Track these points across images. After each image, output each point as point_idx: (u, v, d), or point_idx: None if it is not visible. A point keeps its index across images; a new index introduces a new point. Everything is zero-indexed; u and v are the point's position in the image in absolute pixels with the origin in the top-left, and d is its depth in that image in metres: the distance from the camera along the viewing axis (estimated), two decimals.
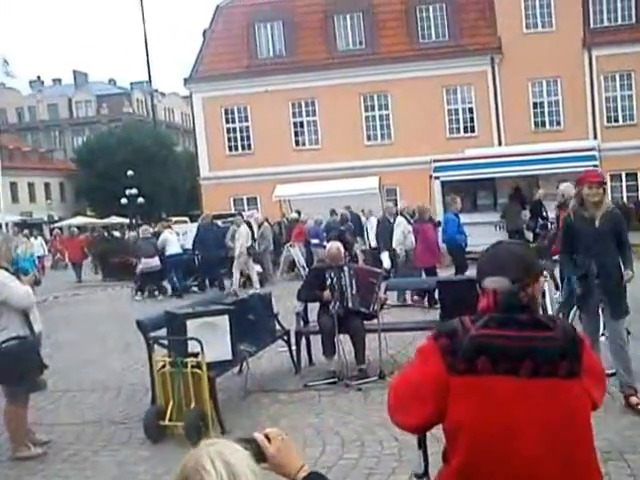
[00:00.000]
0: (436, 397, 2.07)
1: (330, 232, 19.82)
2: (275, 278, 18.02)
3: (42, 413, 6.51)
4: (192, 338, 5.52)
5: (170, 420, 5.54)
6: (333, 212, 20.53)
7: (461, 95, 29.17)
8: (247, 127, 31.10)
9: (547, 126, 28.37)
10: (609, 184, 24.46)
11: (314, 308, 7.87)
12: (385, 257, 12.67)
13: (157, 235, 17.87)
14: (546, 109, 28.51)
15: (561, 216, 8.78)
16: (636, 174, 27.37)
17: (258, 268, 16.44)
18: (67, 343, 10.66)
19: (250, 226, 17.47)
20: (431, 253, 10.64)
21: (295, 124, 30.77)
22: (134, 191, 38.93)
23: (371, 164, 27.31)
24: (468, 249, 18.13)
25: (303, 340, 7.72)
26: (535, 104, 28.48)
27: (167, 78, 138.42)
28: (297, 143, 30.90)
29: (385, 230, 12.96)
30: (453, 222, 11.97)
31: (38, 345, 5.46)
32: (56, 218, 54.52)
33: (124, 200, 39.51)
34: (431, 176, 20.67)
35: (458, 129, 29.31)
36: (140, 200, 39.44)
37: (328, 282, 7.23)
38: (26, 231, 21.11)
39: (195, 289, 17.08)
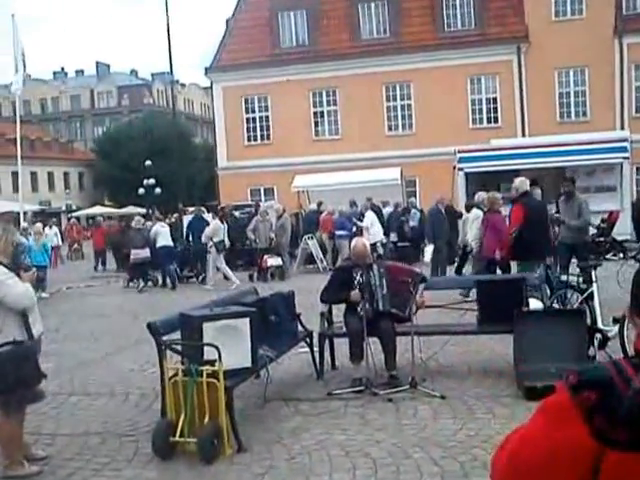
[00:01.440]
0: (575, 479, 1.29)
1: (391, 223, 19.25)
2: (291, 272, 17.44)
3: (43, 420, 5.96)
4: (209, 344, 4.95)
5: (181, 436, 4.97)
6: (353, 203, 19.93)
7: (485, 85, 28.41)
8: (267, 117, 30.57)
9: (573, 117, 27.57)
10: (634, 177, 23.68)
11: (340, 308, 7.30)
12: (428, 251, 12.14)
13: (172, 226, 17.38)
14: (572, 99, 27.69)
15: (515, 212, 8.89)
16: None
17: (278, 261, 15.86)
18: (76, 338, 10.19)
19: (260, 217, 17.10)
20: (500, 245, 10.05)
21: (315, 114, 30.18)
22: (152, 181, 38.57)
23: (392, 155, 26.67)
24: None
25: (326, 343, 7.14)
26: (561, 94, 27.65)
27: (187, 69, 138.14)
28: (317, 133, 30.30)
29: (436, 222, 12.42)
30: None
31: (36, 351, 4.90)
32: (74, 207, 54.35)
33: (142, 190, 39.19)
34: (455, 167, 20.00)
35: (481, 119, 28.57)
36: (157, 190, 39.08)
37: (356, 282, 6.64)
38: (39, 223, 20.54)
39: (193, 279, 17.26)
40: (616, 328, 6.62)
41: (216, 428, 4.91)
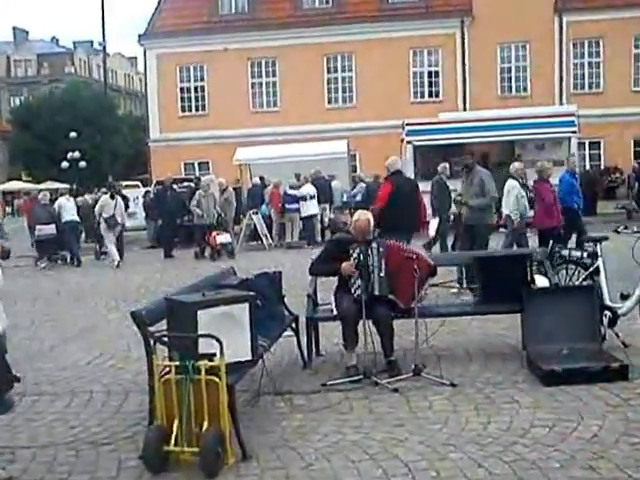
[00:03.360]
0: None
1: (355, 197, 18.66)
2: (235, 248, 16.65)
3: None
4: (209, 335, 4.19)
5: (176, 444, 4.20)
6: (299, 177, 19.21)
7: (427, 58, 28.03)
8: (202, 87, 29.39)
9: (514, 92, 27.59)
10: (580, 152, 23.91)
11: (325, 290, 6.63)
12: (433, 224, 11.78)
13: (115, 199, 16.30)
14: (513, 74, 27.69)
15: (383, 188, 9.04)
16: (599, 143, 26.78)
17: (227, 238, 15.00)
18: (13, 327, 8.81)
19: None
20: (550, 215, 9.57)
21: (254, 85, 29.18)
22: (76, 154, 36.60)
23: (332, 128, 26.04)
24: None
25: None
26: (503, 69, 27.62)
27: (110, 38, 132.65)
28: (255, 105, 29.32)
29: (441, 193, 12.06)
30: (567, 182, 11.26)
31: (2, 351, 4.03)
32: None
33: (65, 164, 37.18)
34: (402, 140, 19.54)
35: (423, 93, 28.23)
36: (82, 164, 37.15)
37: (352, 259, 5.96)
38: None
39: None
40: (626, 305, 6.20)
41: (219, 434, 4.17)
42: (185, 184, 21.12)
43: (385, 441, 4.50)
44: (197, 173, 27.50)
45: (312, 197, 17.16)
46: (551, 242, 7.53)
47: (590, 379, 5.28)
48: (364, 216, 6.10)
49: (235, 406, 4.37)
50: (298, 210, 17.15)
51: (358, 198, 18.87)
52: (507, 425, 4.65)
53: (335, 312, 6.18)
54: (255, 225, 17.82)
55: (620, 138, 25.35)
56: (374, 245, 6.00)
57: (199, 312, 4.39)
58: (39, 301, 11.18)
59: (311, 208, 17.26)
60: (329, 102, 28.84)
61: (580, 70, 27.28)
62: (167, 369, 4.34)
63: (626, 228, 7.09)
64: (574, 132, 18.56)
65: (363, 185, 19.39)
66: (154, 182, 23.10)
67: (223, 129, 27.67)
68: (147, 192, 21.39)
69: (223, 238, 14.86)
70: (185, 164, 29.20)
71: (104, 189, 21.03)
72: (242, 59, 28.48)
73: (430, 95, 28.04)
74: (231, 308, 4.55)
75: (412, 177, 18.40)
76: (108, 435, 4.86)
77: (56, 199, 17.45)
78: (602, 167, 26.02)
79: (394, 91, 27.03)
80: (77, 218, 16.59)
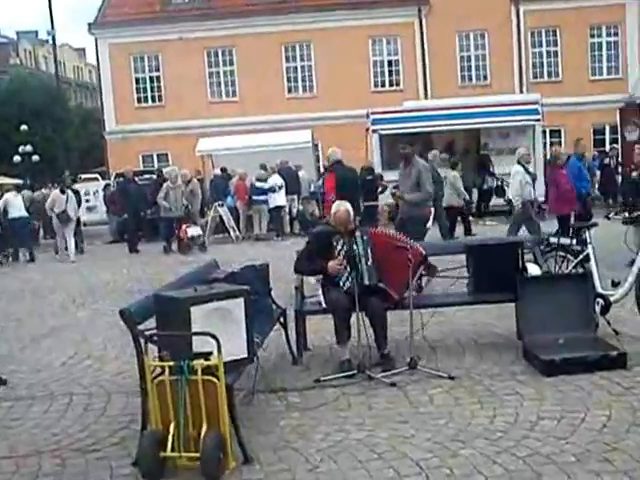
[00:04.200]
0: None
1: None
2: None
3: None
4: (206, 333, 3.94)
5: (173, 450, 3.95)
6: (265, 167, 18.91)
7: (387, 47, 27.93)
8: (158, 77, 28.72)
9: (474, 80, 27.68)
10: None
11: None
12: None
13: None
14: (473, 63, 27.80)
15: (328, 180, 9.13)
16: (560, 131, 27.08)
17: (198, 231, 14.65)
18: None
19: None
20: (564, 200, 9.45)
21: (211, 74, 28.66)
22: (28, 148, 35.51)
23: (294, 118, 25.77)
24: None
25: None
26: (462, 58, 27.69)
27: (57, 28, 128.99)
28: (213, 95, 28.84)
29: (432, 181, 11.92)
30: (574, 167, 11.02)
31: None
32: None
33: (17, 158, 36.04)
34: (368, 129, 19.41)
35: (383, 82, 28.13)
36: (35, 158, 36.08)
37: (337, 251, 5.76)
38: None
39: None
40: (619, 292, 6.14)
41: (220, 438, 3.93)
42: (146, 176, 20.62)
43: (391, 439, 4.32)
44: (156, 165, 26.99)
45: (280, 188, 16.90)
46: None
47: (589, 368, 5.18)
48: (342, 206, 5.90)
49: (234, 407, 4.14)
50: (266, 202, 16.88)
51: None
52: (514, 418, 4.51)
53: (324, 305, 6.00)
54: (221, 217, 17.50)
55: (580, 126, 25.62)
56: (358, 234, 5.81)
57: (192, 308, 4.14)
58: (0, 300, 10.70)
59: (278, 199, 17.01)
60: (289, 91, 28.54)
61: (539, 59, 27.54)
62: (160, 370, 4.08)
63: (617, 214, 7.04)
64: (538, 120, 18.69)
65: None
66: (113, 175, 22.51)
67: (181, 120, 27.17)
68: (107, 185, 20.83)
69: (194, 231, 14.51)
70: (143, 156, 28.63)
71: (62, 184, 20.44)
72: (198, 48, 27.96)
73: (391, 84, 27.97)
74: (226, 303, 4.31)
75: (379, 166, 18.47)
76: (95, 441, 4.57)
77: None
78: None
79: (354, 80, 26.87)
80: (26, 214, 16.15)
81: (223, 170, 20.20)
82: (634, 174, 9.76)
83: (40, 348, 7.29)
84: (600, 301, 6.07)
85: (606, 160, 20.54)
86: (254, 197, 16.92)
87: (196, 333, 4.00)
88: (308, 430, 4.56)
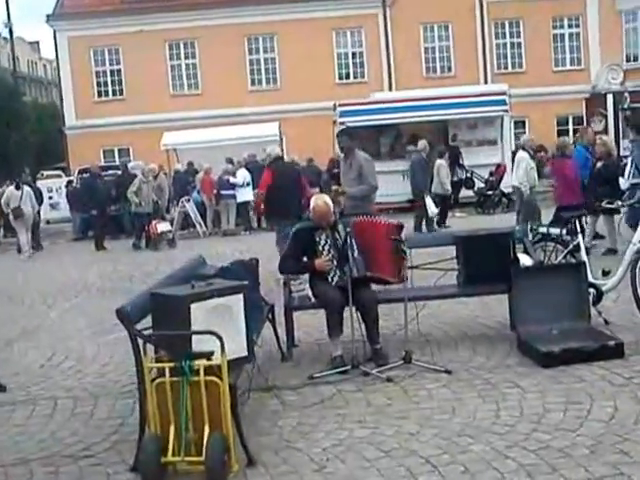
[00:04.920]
0: None
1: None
2: None
3: None
4: (209, 332, 3.76)
5: (174, 454, 3.77)
6: (231, 161, 18.66)
7: (351, 39, 27.79)
8: (119, 70, 28.13)
9: (438, 72, 27.71)
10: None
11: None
12: (429, 202, 11.92)
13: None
14: (437, 55, 27.82)
15: (265, 175, 9.18)
16: (524, 122, 27.28)
17: (168, 226, 14.35)
18: None
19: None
20: (571, 191, 9.33)
21: (173, 67, 28.20)
22: None
23: (258, 111, 25.47)
24: (377, 200, 17.13)
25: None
26: (427, 49, 27.70)
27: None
28: (175, 88, 28.36)
29: (422, 170, 12.16)
30: (581, 157, 10.43)
31: None
32: None
33: None
34: (335, 121, 19.21)
35: (348, 74, 28.01)
36: None
37: (321, 247, 5.62)
38: None
39: None
40: (611, 281, 6.12)
41: (224, 441, 3.77)
42: (110, 172, 20.15)
43: (396, 435, 4.21)
44: (117, 160, 26.45)
45: (248, 183, 16.69)
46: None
47: (588, 359, 5.14)
48: (321, 200, 5.76)
49: (237, 408, 3.97)
50: (234, 196, 16.65)
51: None
52: (519, 411, 4.43)
53: (313, 300, 5.88)
54: (187, 213, 17.21)
55: (544, 117, 25.90)
56: (340, 227, 5.68)
57: (192, 306, 3.96)
58: None
59: (246, 194, 16.79)
60: (253, 84, 28.23)
61: (502, 50, 27.71)
62: (159, 369, 3.89)
63: (609, 203, 7.03)
64: (506, 111, 18.78)
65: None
66: (76, 171, 21.96)
67: (143, 114, 26.66)
68: (70, 182, 20.29)
69: (163, 226, 14.20)
70: (105, 151, 28.05)
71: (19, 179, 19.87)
72: (159, 41, 27.46)
73: (355, 76, 27.86)
74: (226, 300, 4.14)
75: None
76: (86, 446, 4.36)
77: None
78: None
79: (319, 72, 26.69)
80: None
81: (190, 164, 19.92)
82: (598, 164, 9.81)
83: (15, 351, 7.00)
84: (592, 291, 6.04)
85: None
86: (222, 192, 16.64)
87: (200, 332, 3.83)
88: (309, 429, 4.42)
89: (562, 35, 27.56)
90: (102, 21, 26.96)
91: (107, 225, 16.72)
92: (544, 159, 25.22)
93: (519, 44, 27.59)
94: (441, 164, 14.40)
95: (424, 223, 13.15)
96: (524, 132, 27.25)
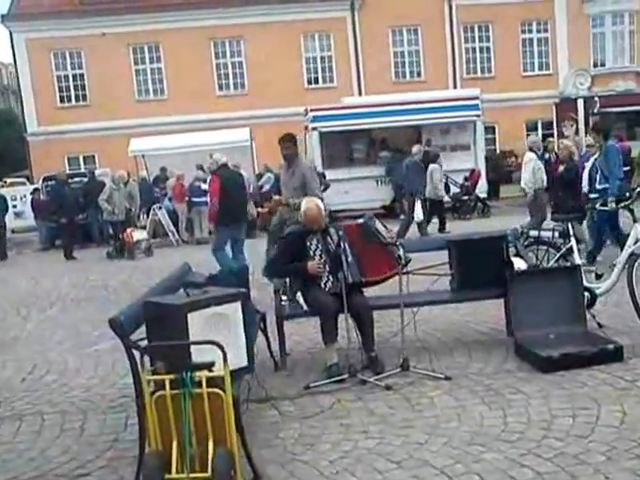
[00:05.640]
0: None
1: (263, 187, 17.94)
2: None
3: None
4: (210, 342, 3.59)
5: (178, 471, 3.59)
6: (201, 168, 18.39)
7: (320, 43, 27.69)
8: (82, 75, 27.57)
9: (408, 77, 27.75)
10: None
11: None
12: (418, 207, 11.99)
13: None
14: (407, 59, 27.84)
15: (214, 183, 9.25)
16: (494, 127, 27.37)
17: (144, 235, 14.03)
18: None
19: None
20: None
21: (137, 72, 27.72)
22: None
23: (226, 117, 25.22)
24: (348, 207, 17.06)
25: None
26: (396, 53, 27.72)
27: None
28: (140, 93, 27.92)
29: (417, 174, 12.23)
30: (614, 154, 8.47)
31: None
32: None
33: None
34: (307, 127, 19.12)
35: (317, 79, 27.90)
36: None
37: (312, 252, 5.49)
38: None
39: None
40: (605, 284, 6.08)
41: (230, 455, 3.59)
42: (77, 179, 19.71)
43: (404, 445, 4.08)
44: (82, 167, 25.96)
45: None
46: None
47: (587, 363, 5.08)
48: (312, 203, 5.65)
49: (241, 420, 3.80)
50: (206, 203, 16.36)
51: (266, 188, 18.32)
52: (526, 417, 4.34)
53: (305, 307, 5.73)
54: (159, 221, 16.89)
55: (513, 122, 26.07)
56: (332, 231, 5.56)
57: (189, 315, 3.78)
58: None
59: None
60: (220, 89, 27.95)
61: (472, 54, 27.79)
62: (159, 382, 3.69)
63: (603, 205, 7.00)
64: (479, 115, 18.86)
65: (271, 175, 18.86)
66: (41, 178, 21.42)
67: (108, 120, 26.18)
68: (36, 190, 19.76)
69: (139, 235, 13.87)
70: (69, 158, 27.45)
71: None
72: (122, 44, 26.95)
73: (324, 81, 27.76)
74: (223, 308, 3.96)
75: (320, 165, 18.20)
76: (79, 465, 4.15)
77: None
78: (497, 151, 26.59)
79: (287, 77, 26.53)
80: None
81: (163, 169, 19.63)
82: (560, 168, 9.83)
83: None
84: (586, 294, 5.99)
85: (546, 155, 20.90)
86: (194, 199, 16.38)
87: (201, 342, 3.64)
88: (312, 440, 4.27)
89: (531, 40, 27.75)
90: (62, 23, 26.30)
91: (75, 234, 16.33)
92: (514, 165, 25.46)
93: (488, 48, 27.71)
94: (435, 168, 14.35)
95: (417, 229, 13.01)
96: (494, 138, 27.56)
